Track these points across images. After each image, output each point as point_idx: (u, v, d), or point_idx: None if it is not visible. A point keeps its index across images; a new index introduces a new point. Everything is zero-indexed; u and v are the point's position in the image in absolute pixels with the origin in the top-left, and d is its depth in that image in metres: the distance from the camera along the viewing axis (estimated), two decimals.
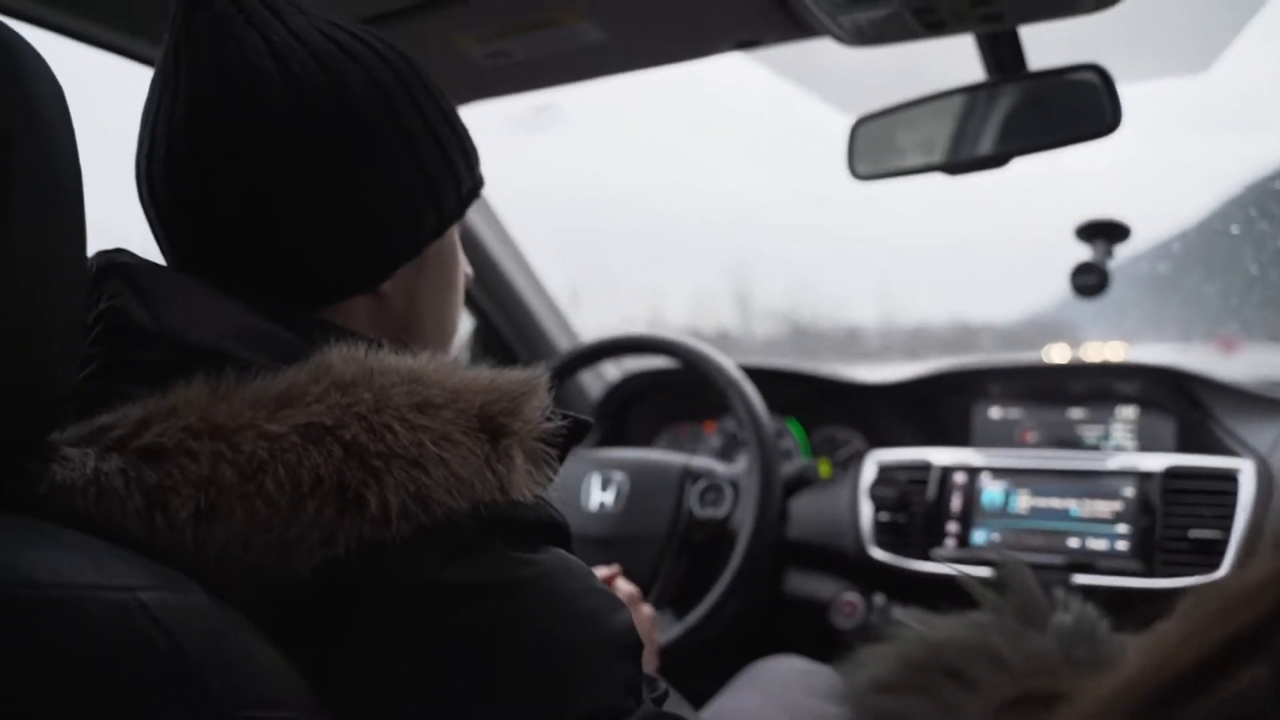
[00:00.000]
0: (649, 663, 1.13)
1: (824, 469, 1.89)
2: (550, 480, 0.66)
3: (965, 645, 0.39)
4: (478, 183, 0.79)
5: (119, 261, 0.63)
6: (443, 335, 0.80)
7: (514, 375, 0.66)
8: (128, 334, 0.60)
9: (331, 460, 0.55)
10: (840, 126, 1.34)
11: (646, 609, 1.20)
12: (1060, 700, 0.33)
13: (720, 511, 1.45)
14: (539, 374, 0.67)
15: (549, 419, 0.66)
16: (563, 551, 0.66)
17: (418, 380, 0.61)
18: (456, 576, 0.58)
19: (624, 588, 1.25)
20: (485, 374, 0.65)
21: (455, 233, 0.79)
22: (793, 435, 1.94)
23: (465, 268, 0.82)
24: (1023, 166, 1.26)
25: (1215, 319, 2.23)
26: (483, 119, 1.57)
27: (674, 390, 2.02)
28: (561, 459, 0.70)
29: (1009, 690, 0.37)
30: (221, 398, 0.56)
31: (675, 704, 0.97)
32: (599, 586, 0.66)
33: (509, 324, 1.88)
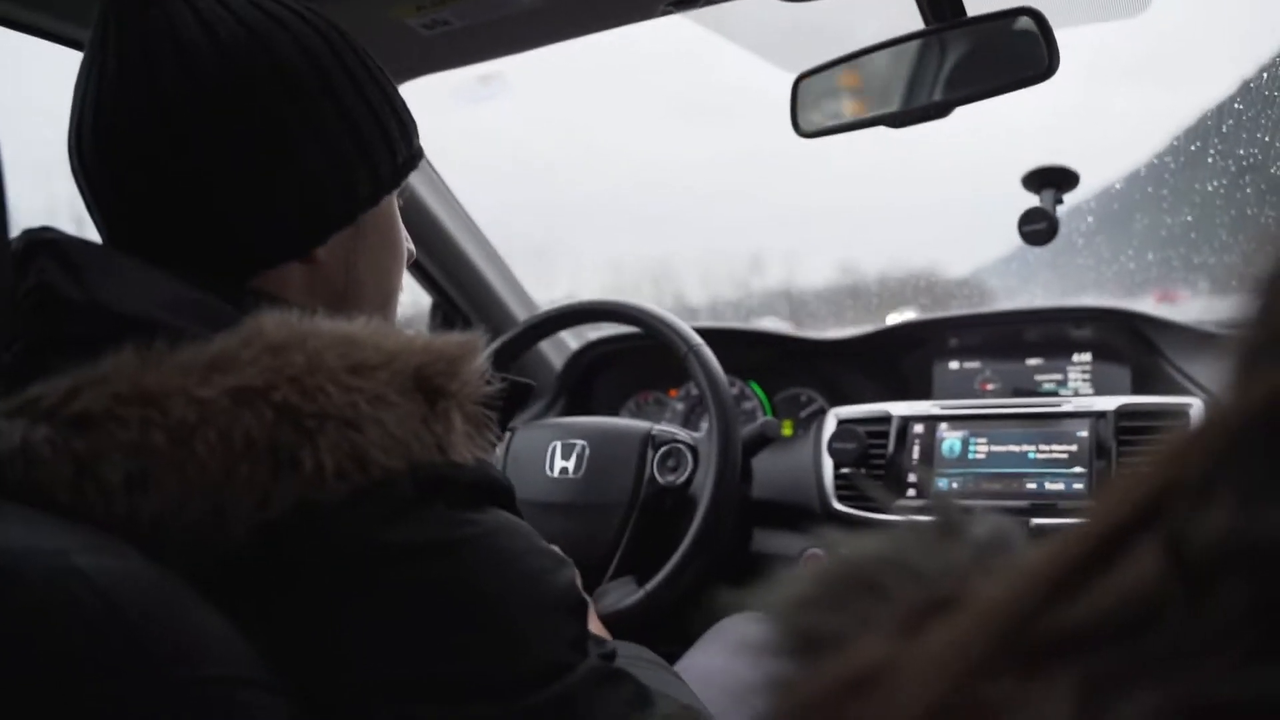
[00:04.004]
0: (597, 630, 1.14)
1: (786, 429, 1.90)
2: (492, 444, 0.67)
3: (880, 558, 0.40)
4: (415, 153, 0.79)
5: (46, 238, 0.63)
6: (384, 305, 0.80)
7: (451, 338, 0.66)
8: (57, 308, 0.60)
9: (263, 422, 0.55)
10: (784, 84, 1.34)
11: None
12: (962, 602, 0.33)
13: (681, 477, 1.46)
14: (476, 337, 0.67)
15: (489, 383, 0.67)
16: (505, 513, 0.66)
17: (351, 343, 0.61)
18: (396, 536, 0.58)
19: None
20: (422, 336, 0.65)
21: (394, 202, 0.79)
22: (756, 397, 1.95)
23: (407, 241, 0.82)
24: (963, 122, 1.27)
25: (1153, 271, 2.26)
26: (428, 92, 1.57)
27: (637, 358, 2.02)
28: (504, 424, 0.70)
29: (919, 597, 0.37)
30: (151, 365, 0.56)
31: (648, 664, 0.99)
32: (542, 546, 0.67)
33: (466, 297, 1.87)
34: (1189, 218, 2.05)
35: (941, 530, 0.43)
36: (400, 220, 0.81)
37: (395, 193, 0.78)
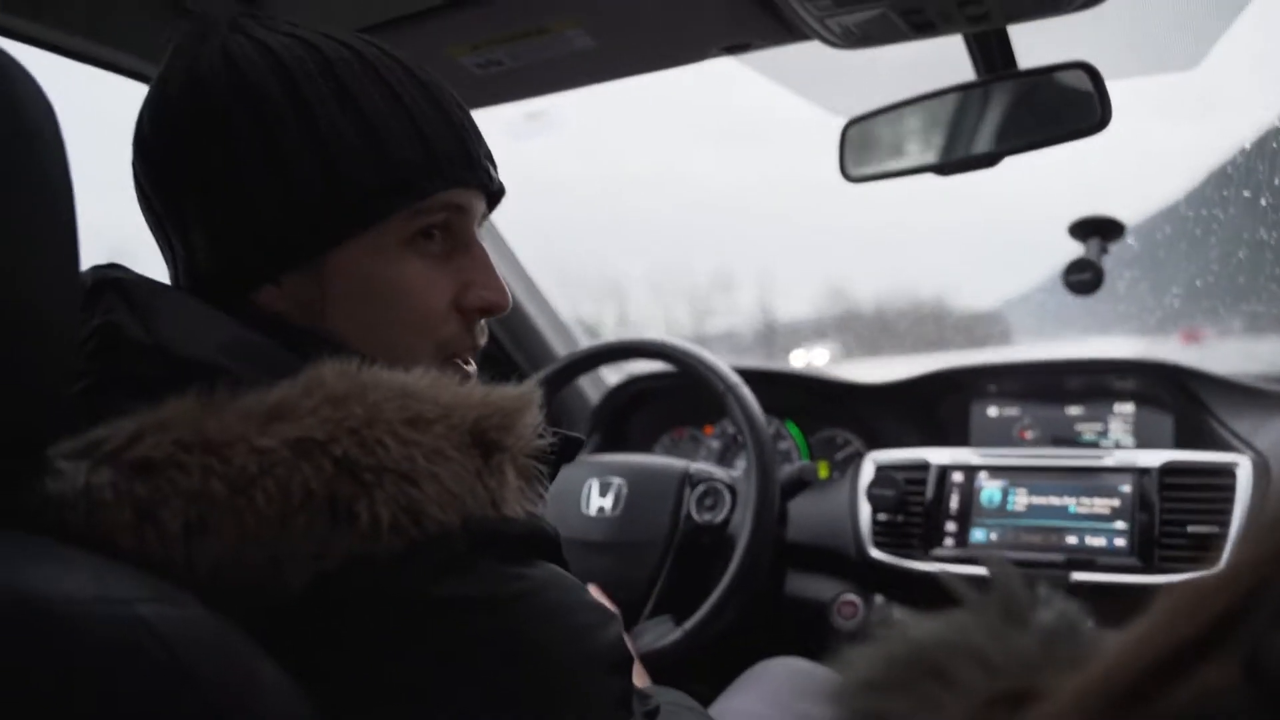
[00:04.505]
0: (636, 673, 1.14)
1: (823, 470, 1.89)
2: (541, 497, 0.67)
3: (947, 643, 0.40)
4: (395, 188, 0.70)
5: (112, 277, 0.64)
6: (379, 353, 0.69)
7: (507, 391, 0.66)
8: (122, 349, 0.61)
9: (322, 474, 0.55)
10: (820, 123, 1.35)
11: None
12: (1037, 697, 0.33)
13: (719, 516, 1.45)
14: (531, 390, 0.67)
15: (541, 436, 0.67)
16: (555, 566, 0.66)
17: (410, 395, 0.61)
18: (448, 590, 0.58)
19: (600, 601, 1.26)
20: (479, 389, 0.65)
21: (400, 254, 0.72)
22: (791, 437, 1.95)
23: (485, 291, 0.75)
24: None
25: (1179, 311, 2.24)
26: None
27: (673, 394, 2.02)
28: (553, 476, 0.70)
29: (988, 688, 0.37)
30: (213, 411, 0.56)
31: (688, 710, 0.98)
32: (590, 600, 0.67)
33: (506, 332, 1.88)
34: (1218, 255, 2.03)
35: (1006, 614, 0.42)
36: (408, 274, 0.72)
37: (373, 238, 0.70)
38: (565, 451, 0.72)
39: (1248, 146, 1.85)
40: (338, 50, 0.70)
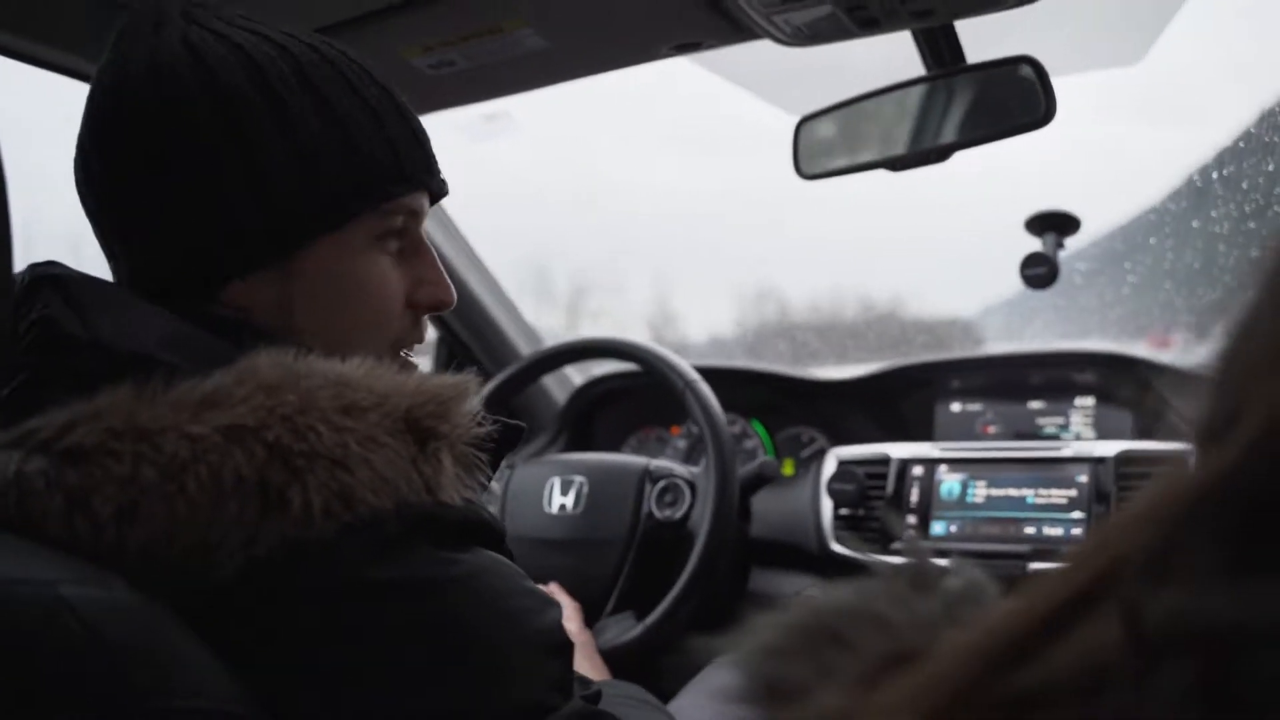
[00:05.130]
0: (595, 668, 1.14)
1: (788, 468, 1.90)
2: (482, 486, 0.67)
3: (850, 610, 0.40)
4: (368, 188, 0.71)
5: (50, 273, 0.64)
6: (339, 349, 0.70)
7: (443, 379, 0.67)
8: (58, 343, 0.61)
9: (254, 460, 0.56)
10: (785, 125, 1.36)
11: (571, 621, 1.21)
12: (928, 656, 0.34)
13: (679, 512, 1.46)
14: (468, 379, 0.68)
15: (480, 424, 0.67)
16: (492, 553, 0.66)
17: (344, 384, 0.62)
18: (380, 574, 0.58)
19: (563, 599, 1.26)
20: (414, 378, 0.66)
21: (353, 251, 0.72)
22: (757, 436, 1.96)
23: (435, 288, 0.77)
24: (966, 163, 1.28)
25: (1149, 317, 2.26)
26: (434, 127, 1.59)
27: (639, 394, 2.03)
28: (495, 465, 0.70)
29: (884, 649, 0.37)
30: (146, 401, 0.57)
31: (641, 703, 0.98)
32: (528, 586, 0.67)
33: (470, 332, 1.88)
34: (1192, 261, 2.06)
35: (914, 582, 0.43)
36: (374, 274, 0.73)
37: (342, 238, 0.71)
38: (506, 440, 0.72)
39: (1223, 149, 1.88)
40: (304, 50, 0.71)
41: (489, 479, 0.69)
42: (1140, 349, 1.98)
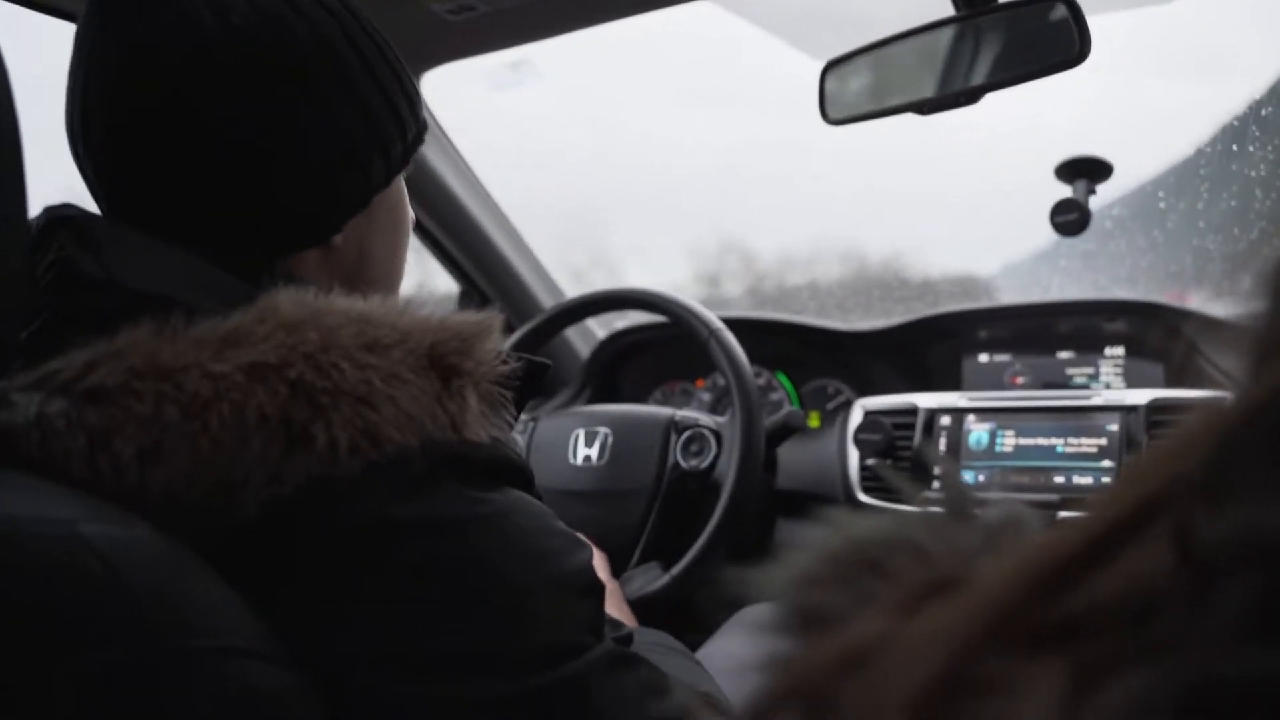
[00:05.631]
0: (623, 616, 1.15)
1: (814, 420, 1.89)
2: (508, 424, 0.67)
3: (887, 538, 0.39)
4: (422, 127, 0.78)
5: (66, 215, 0.63)
6: (392, 280, 0.81)
7: (467, 316, 0.66)
8: (77, 284, 0.61)
9: (277, 398, 0.56)
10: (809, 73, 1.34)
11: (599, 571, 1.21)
12: (968, 583, 0.33)
13: (704, 461, 1.45)
14: (491, 316, 0.67)
15: (505, 362, 0.67)
16: (521, 492, 0.66)
17: (366, 321, 0.61)
18: (407, 512, 0.58)
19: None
20: (437, 314, 0.65)
21: (401, 180, 0.79)
22: (783, 388, 1.95)
23: (410, 213, 0.83)
24: (990, 116, 1.25)
25: (1180, 266, 2.23)
26: (457, 78, 1.57)
27: (664, 347, 2.02)
28: (520, 404, 0.70)
29: (922, 577, 0.37)
30: (167, 340, 0.56)
31: (670, 650, 0.99)
32: (557, 527, 0.67)
33: (493, 285, 1.88)
34: (1227, 205, 2.02)
35: (953, 513, 0.42)
36: (406, 195, 0.81)
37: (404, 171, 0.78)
38: (532, 378, 0.72)
39: (1253, 100, 1.83)
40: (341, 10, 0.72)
41: (515, 418, 0.68)
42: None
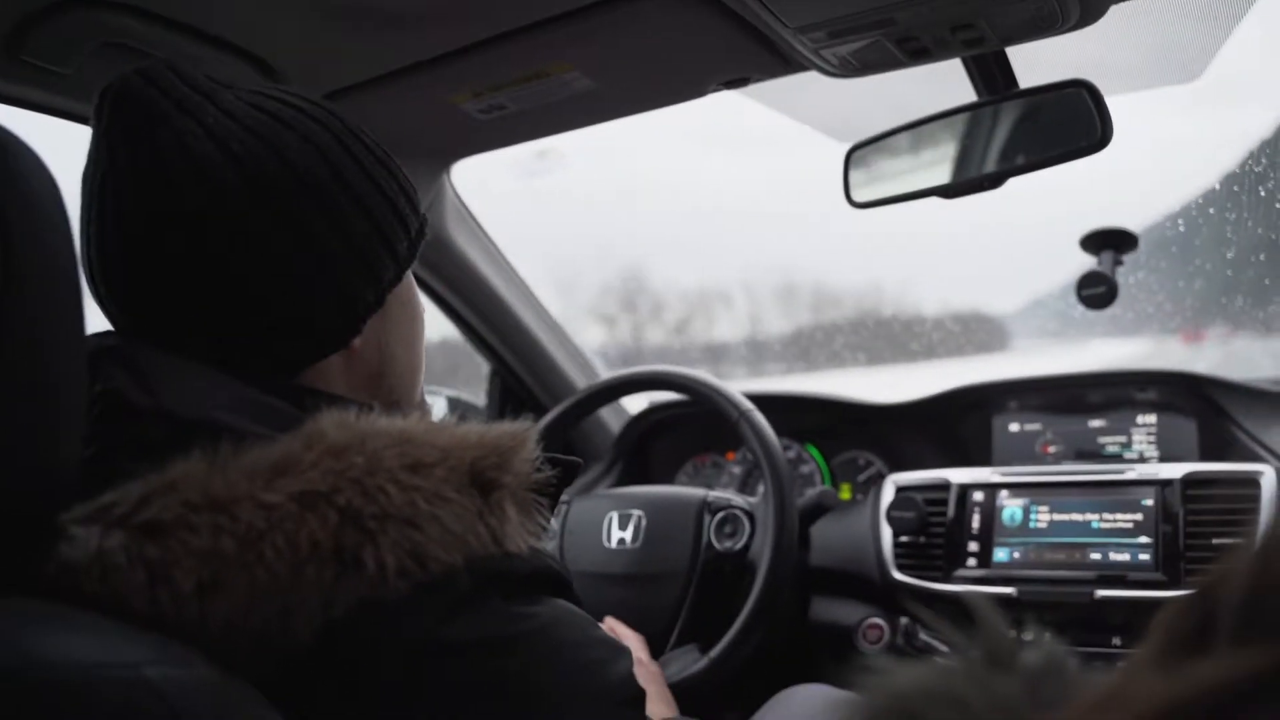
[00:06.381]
0: (664, 701, 1.14)
1: (845, 493, 1.89)
2: (543, 529, 0.68)
3: (928, 691, 0.40)
4: (423, 221, 0.80)
5: (109, 345, 0.65)
6: (414, 375, 0.82)
7: (503, 429, 0.68)
8: (126, 414, 0.62)
9: (328, 525, 0.57)
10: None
11: (639, 653, 1.21)
12: None
13: (739, 542, 1.46)
14: (527, 427, 0.69)
15: (539, 470, 0.68)
16: (563, 602, 0.67)
17: (409, 441, 0.62)
18: (456, 633, 0.59)
19: (620, 631, 1.26)
20: (475, 430, 0.67)
21: (410, 275, 0.80)
22: (813, 460, 1.95)
23: (421, 305, 0.84)
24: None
25: (1183, 312, 2.21)
26: (488, 167, 1.61)
27: (694, 421, 2.02)
28: (553, 504, 0.72)
29: None
30: (218, 470, 0.58)
31: None
32: (600, 636, 0.68)
33: (524, 365, 1.89)
34: (1230, 256, 2.01)
35: (991, 659, 0.43)
36: (416, 288, 0.83)
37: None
38: (565, 478, 0.73)
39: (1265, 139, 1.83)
40: (335, 125, 0.73)
41: (549, 520, 0.70)
42: (1174, 344, 1.94)
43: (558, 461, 0.72)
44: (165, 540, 0.55)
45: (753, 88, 1.27)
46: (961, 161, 1.28)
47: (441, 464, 0.62)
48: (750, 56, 1.13)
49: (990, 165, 1.25)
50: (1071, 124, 1.17)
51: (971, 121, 1.26)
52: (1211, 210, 2.06)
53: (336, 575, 0.57)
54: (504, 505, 0.64)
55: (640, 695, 0.69)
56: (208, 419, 0.62)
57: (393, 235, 0.74)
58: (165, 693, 0.48)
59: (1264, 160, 1.89)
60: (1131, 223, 1.60)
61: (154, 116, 0.66)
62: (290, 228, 0.68)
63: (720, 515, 1.48)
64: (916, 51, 1.11)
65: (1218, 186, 2.02)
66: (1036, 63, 1.22)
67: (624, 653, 0.70)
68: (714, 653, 1.35)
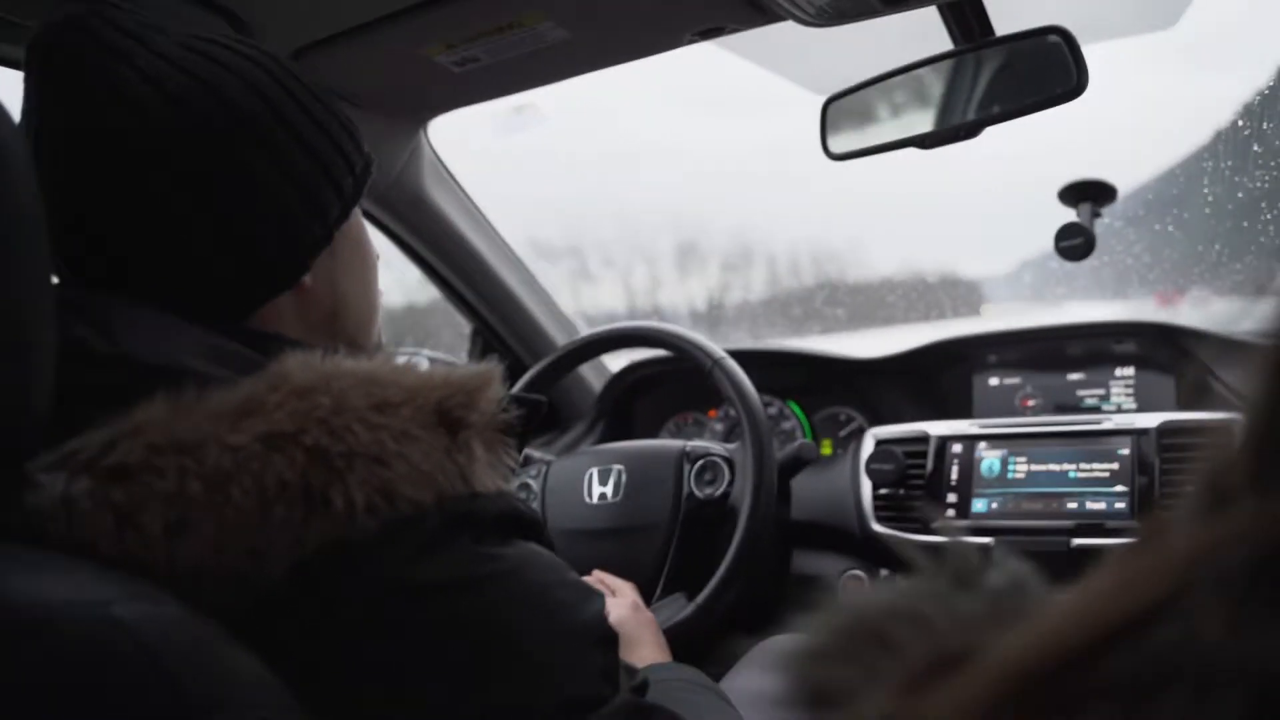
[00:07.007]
0: (657, 646, 1.15)
1: (826, 448, 1.90)
2: (511, 469, 0.69)
3: (891, 609, 0.40)
4: (368, 160, 0.79)
5: (69, 296, 0.64)
6: (369, 315, 0.83)
7: (468, 369, 0.68)
8: (88, 361, 0.62)
9: (295, 465, 0.57)
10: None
11: (624, 600, 1.22)
12: (975, 657, 0.34)
13: (719, 489, 1.46)
14: (492, 367, 0.69)
15: (506, 410, 0.69)
16: (532, 544, 0.68)
17: (374, 381, 0.63)
18: (424, 574, 0.59)
19: (611, 581, 1.27)
20: (440, 371, 0.67)
21: (360, 214, 0.81)
22: (795, 417, 1.95)
23: (374, 247, 0.84)
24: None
25: (1164, 274, 2.22)
26: (467, 124, 1.60)
27: (676, 379, 2.03)
28: (522, 446, 0.72)
29: (928, 650, 0.37)
30: (183, 413, 0.57)
31: (700, 688, 0.99)
32: (569, 578, 0.68)
33: (504, 324, 1.89)
34: (1223, 216, 2.02)
35: (956, 579, 0.43)
36: (366, 229, 0.83)
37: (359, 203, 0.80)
38: (531, 418, 0.74)
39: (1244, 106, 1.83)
40: (278, 71, 0.73)
41: (517, 461, 0.70)
42: (1145, 304, 1.94)
43: (523, 401, 0.72)
44: (131, 484, 0.55)
45: (731, 40, 1.26)
46: (938, 111, 1.27)
47: (408, 403, 0.63)
48: (724, 5, 1.12)
49: (968, 114, 1.24)
50: (1047, 71, 1.17)
51: (948, 70, 1.26)
52: (1206, 163, 2.06)
53: (305, 514, 0.57)
54: (471, 444, 0.65)
55: (612, 635, 0.69)
56: (171, 364, 0.61)
57: (336, 171, 0.74)
58: (135, 629, 0.48)
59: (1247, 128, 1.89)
60: (1124, 180, 1.60)
61: (85, 63, 0.66)
62: (230, 165, 0.68)
63: (700, 463, 1.49)
64: None
65: (1201, 151, 2.02)
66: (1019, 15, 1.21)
67: (595, 595, 0.70)
68: (700, 598, 1.36)
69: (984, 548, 0.45)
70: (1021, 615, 0.40)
